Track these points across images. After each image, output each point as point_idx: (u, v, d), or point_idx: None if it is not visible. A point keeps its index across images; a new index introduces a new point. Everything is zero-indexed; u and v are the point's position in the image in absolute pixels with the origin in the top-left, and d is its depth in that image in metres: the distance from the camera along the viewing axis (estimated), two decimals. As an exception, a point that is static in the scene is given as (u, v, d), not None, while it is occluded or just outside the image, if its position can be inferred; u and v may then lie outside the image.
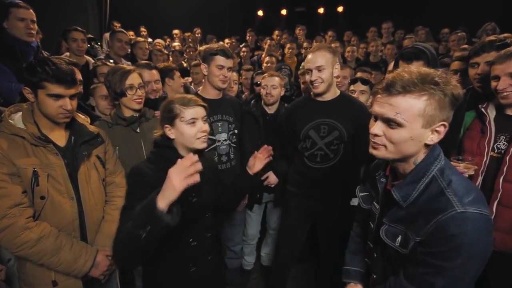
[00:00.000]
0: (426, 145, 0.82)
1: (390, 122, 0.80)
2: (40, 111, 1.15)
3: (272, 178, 2.03)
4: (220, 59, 1.68)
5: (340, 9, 6.90)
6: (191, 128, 1.12)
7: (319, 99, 1.70)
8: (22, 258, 1.12)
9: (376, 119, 0.85)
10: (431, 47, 1.68)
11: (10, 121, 1.12)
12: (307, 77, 1.63)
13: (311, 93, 1.75)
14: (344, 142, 1.69)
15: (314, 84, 1.62)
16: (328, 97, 1.69)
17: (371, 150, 0.87)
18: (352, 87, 2.10)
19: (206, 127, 1.16)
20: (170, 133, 1.13)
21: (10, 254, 1.18)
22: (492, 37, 1.60)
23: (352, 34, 5.17)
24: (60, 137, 1.22)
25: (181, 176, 0.87)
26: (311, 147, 1.71)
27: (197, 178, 0.89)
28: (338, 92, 1.72)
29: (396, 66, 1.67)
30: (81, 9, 4.84)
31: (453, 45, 3.63)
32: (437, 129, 0.79)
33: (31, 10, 1.90)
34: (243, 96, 2.96)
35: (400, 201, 0.85)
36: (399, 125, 0.78)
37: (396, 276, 0.88)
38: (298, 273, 2.44)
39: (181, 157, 1.06)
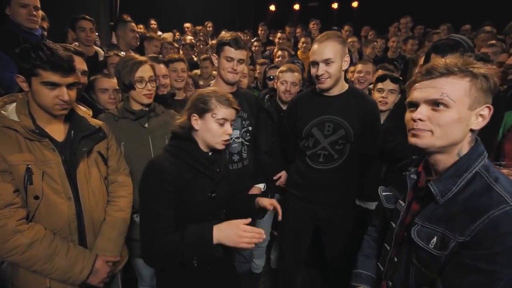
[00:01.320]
0: (472, 131, 0.79)
1: (435, 105, 0.76)
2: (35, 102, 1.04)
3: (285, 178, 1.90)
4: (229, 50, 1.54)
5: (355, 4, 6.71)
6: (219, 127, 1.09)
7: (326, 93, 1.54)
8: (14, 264, 1.02)
9: (414, 107, 0.81)
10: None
11: (2, 112, 1.01)
12: (313, 71, 1.47)
13: (317, 86, 1.59)
14: (350, 142, 1.54)
15: (320, 79, 1.46)
16: (335, 91, 1.53)
17: (413, 140, 0.81)
18: (380, 85, 1.90)
19: (231, 131, 1.13)
20: (196, 123, 1.09)
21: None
22: None
23: (369, 30, 4.97)
24: (58, 131, 1.10)
25: (248, 239, 0.94)
26: (313, 146, 1.57)
27: (251, 246, 0.97)
28: (346, 86, 1.56)
29: (427, 59, 1.53)
30: (91, 0, 4.78)
31: (482, 44, 3.40)
32: (482, 112, 0.77)
33: None
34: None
35: (438, 196, 0.78)
36: (446, 105, 0.75)
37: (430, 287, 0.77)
38: (308, 278, 2.33)
39: (202, 152, 1.12)
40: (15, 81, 1.56)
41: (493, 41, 2.60)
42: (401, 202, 0.93)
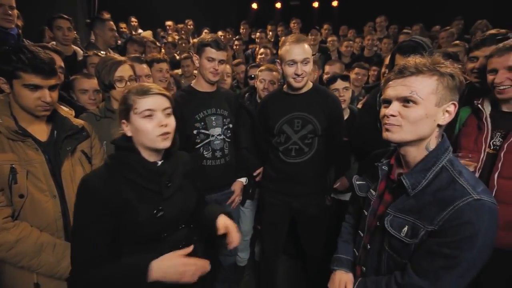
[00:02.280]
0: (439, 126, 0.85)
1: (405, 101, 0.83)
2: (17, 103, 1.06)
3: (265, 174, 1.99)
4: (210, 51, 1.61)
5: (335, 3, 6.89)
6: (148, 122, 0.91)
7: (293, 92, 1.66)
8: (1, 260, 1.05)
9: (387, 103, 0.87)
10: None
11: (-16, 113, 1.03)
12: (290, 70, 1.55)
13: (285, 86, 1.71)
14: (318, 135, 1.66)
15: (298, 78, 1.56)
16: (302, 90, 1.64)
17: (386, 134, 0.87)
18: (333, 86, 2.04)
19: (168, 121, 0.94)
20: (127, 129, 0.94)
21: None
22: (493, 31, 1.58)
23: (347, 29, 5.14)
24: (41, 131, 1.13)
25: (191, 273, 0.90)
26: (285, 141, 1.68)
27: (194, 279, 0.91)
28: (311, 85, 1.69)
29: (392, 59, 1.65)
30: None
31: (442, 42, 3.63)
32: (448, 109, 0.83)
33: None
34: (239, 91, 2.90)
35: (409, 189, 0.85)
36: (415, 102, 0.82)
37: (402, 272, 0.85)
38: (289, 268, 2.45)
39: (145, 162, 0.95)
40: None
41: (457, 42, 2.78)
42: (372, 191, 1.00)
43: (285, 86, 1.71)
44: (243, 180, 1.91)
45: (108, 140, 1.45)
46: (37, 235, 1.06)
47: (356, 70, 2.77)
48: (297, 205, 1.76)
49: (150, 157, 0.97)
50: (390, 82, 0.87)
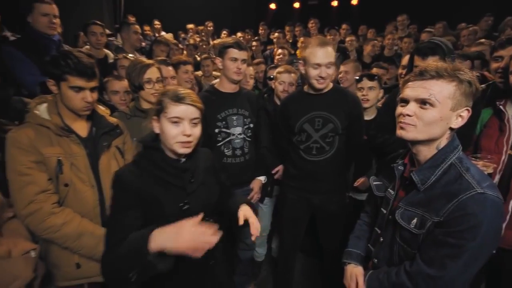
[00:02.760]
0: (451, 129, 0.89)
1: (422, 103, 0.87)
2: (63, 103, 1.19)
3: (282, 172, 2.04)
4: (233, 52, 1.69)
5: (354, 1, 6.76)
6: (173, 128, 0.97)
7: (313, 92, 1.70)
8: (49, 241, 1.19)
9: (405, 103, 0.91)
10: (448, 41, 1.64)
11: (36, 112, 1.17)
12: (314, 72, 1.60)
13: (306, 86, 1.75)
14: (338, 134, 1.70)
15: (321, 80, 1.61)
16: (323, 90, 1.69)
17: (400, 132, 0.91)
18: (359, 85, 2.07)
19: (192, 131, 0.99)
20: (156, 127, 1.01)
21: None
22: None
23: (367, 28, 5.06)
24: (82, 128, 1.26)
25: (192, 241, 0.81)
26: (306, 140, 1.72)
27: (200, 254, 0.83)
28: (331, 85, 1.73)
29: (411, 61, 1.65)
30: (96, 3, 4.91)
31: (464, 40, 3.50)
32: (462, 114, 0.87)
33: (53, 5, 1.96)
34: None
35: (419, 184, 0.90)
36: (432, 105, 0.85)
37: (411, 261, 0.91)
38: (306, 266, 2.49)
39: (169, 160, 1.00)
40: (37, 83, 1.72)
41: (482, 40, 2.68)
42: (390, 190, 1.05)
43: (306, 86, 1.76)
44: (262, 178, 1.98)
45: (138, 137, 1.58)
46: (79, 220, 1.19)
47: (375, 70, 2.76)
48: (318, 202, 1.80)
49: (174, 155, 1.03)
50: (410, 83, 0.91)
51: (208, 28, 5.53)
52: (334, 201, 1.80)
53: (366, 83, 2.04)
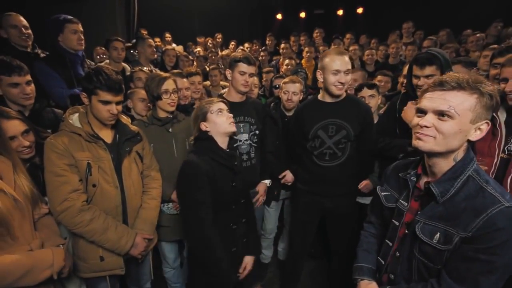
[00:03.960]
0: (468, 141, 0.88)
1: (441, 114, 0.84)
2: (92, 113, 1.36)
3: (289, 177, 2.14)
4: (242, 66, 1.83)
5: (359, 10, 6.86)
6: (221, 116, 1.38)
7: (329, 100, 1.80)
8: (77, 236, 1.34)
9: (422, 113, 0.89)
10: (447, 50, 1.73)
11: (69, 121, 1.34)
12: (333, 78, 1.69)
13: (320, 94, 1.85)
14: (351, 140, 1.79)
15: (340, 86, 1.70)
16: (337, 98, 1.79)
17: (417, 142, 0.88)
18: (360, 94, 2.16)
19: (230, 115, 1.42)
20: (205, 126, 1.38)
21: (66, 233, 1.39)
22: None
23: (366, 37, 5.11)
24: (107, 135, 1.42)
25: None
26: (320, 146, 1.81)
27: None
28: (345, 94, 1.82)
29: (410, 71, 1.73)
30: (110, 18, 5.17)
31: (471, 46, 3.56)
32: (481, 126, 0.85)
33: (80, 24, 2.17)
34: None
35: (438, 196, 0.88)
36: (451, 117, 0.83)
37: (438, 278, 0.88)
38: (313, 269, 2.54)
39: (220, 147, 1.38)
40: (64, 95, 1.91)
41: (494, 46, 2.73)
42: (402, 202, 1.01)
43: (320, 95, 1.86)
44: (267, 181, 2.09)
45: (155, 144, 1.73)
46: (105, 217, 1.33)
47: (379, 77, 2.83)
48: (330, 205, 1.89)
49: (222, 144, 1.40)
50: (428, 93, 0.87)
51: (217, 40, 5.75)
52: (344, 204, 1.88)
53: (367, 91, 2.16)
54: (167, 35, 5.64)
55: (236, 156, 1.49)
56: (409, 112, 1.72)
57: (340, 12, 7.02)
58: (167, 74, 1.79)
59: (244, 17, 7.14)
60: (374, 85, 2.22)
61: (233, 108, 1.91)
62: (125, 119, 1.54)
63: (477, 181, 0.86)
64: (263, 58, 4.52)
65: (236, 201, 1.43)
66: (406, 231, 0.97)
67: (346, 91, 1.82)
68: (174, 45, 5.54)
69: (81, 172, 1.30)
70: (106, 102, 1.31)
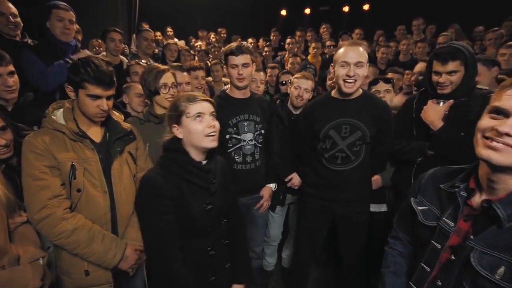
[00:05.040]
0: None
1: None
2: (79, 109, 1.20)
3: (296, 180, 2.01)
4: (232, 59, 1.68)
5: (366, 7, 6.72)
6: (198, 124, 1.07)
7: (341, 97, 1.63)
8: (59, 247, 1.18)
9: (502, 115, 0.70)
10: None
11: (52, 117, 1.18)
12: (342, 71, 1.51)
13: (333, 90, 1.68)
14: (366, 143, 1.62)
15: (349, 81, 1.52)
16: (352, 95, 1.61)
17: (489, 153, 0.71)
18: (374, 88, 2.04)
19: (215, 123, 1.10)
20: (178, 132, 1.10)
21: (49, 242, 1.24)
22: None
23: (382, 34, 5.00)
24: (96, 133, 1.26)
25: None
26: (331, 148, 1.64)
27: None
28: (361, 91, 1.65)
29: (429, 67, 1.59)
30: (111, 10, 5.04)
31: (490, 43, 3.38)
32: None
33: (70, 12, 2.00)
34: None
35: (505, 221, 0.71)
36: None
37: None
38: (319, 277, 2.40)
39: (194, 162, 1.10)
40: (49, 73, 1.71)
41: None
42: (447, 220, 0.83)
43: (333, 91, 1.69)
44: (272, 185, 1.94)
45: (151, 143, 1.57)
46: (90, 226, 1.18)
47: (390, 75, 2.70)
48: (340, 211, 1.73)
49: (197, 157, 1.12)
50: (510, 90, 0.71)
51: (222, 35, 5.59)
52: (357, 211, 1.72)
53: (382, 86, 2.02)
54: (169, 29, 5.50)
55: (216, 169, 1.18)
56: (430, 112, 1.57)
57: (346, 9, 6.90)
58: (165, 67, 1.64)
59: (247, 12, 7.00)
60: (390, 80, 2.10)
61: (237, 105, 1.77)
62: (117, 116, 1.38)
63: None
64: (267, 53, 4.37)
65: (213, 225, 1.17)
66: (452, 257, 0.79)
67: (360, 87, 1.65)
68: (176, 39, 5.39)
69: (64, 175, 1.15)
70: (95, 97, 1.15)
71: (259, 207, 1.91)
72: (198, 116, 1.07)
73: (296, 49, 4.20)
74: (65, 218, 1.12)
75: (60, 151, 1.14)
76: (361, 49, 1.52)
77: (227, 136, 1.74)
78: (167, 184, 1.03)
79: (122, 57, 2.72)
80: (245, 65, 1.68)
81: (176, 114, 1.09)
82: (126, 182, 1.31)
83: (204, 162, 1.14)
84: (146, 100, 1.88)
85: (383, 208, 1.98)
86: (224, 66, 1.78)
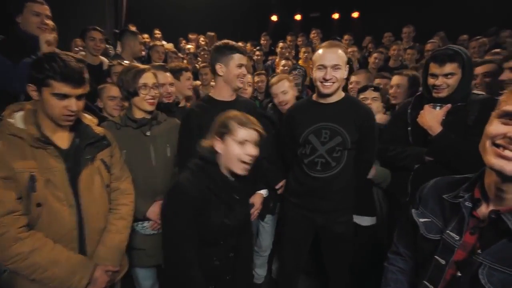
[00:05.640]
0: None
1: None
2: (43, 111, 1.05)
3: (287, 187, 1.90)
4: (240, 57, 1.57)
5: (355, 14, 6.82)
6: (239, 148, 1.10)
7: (323, 101, 1.56)
8: (14, 272, 1.02)
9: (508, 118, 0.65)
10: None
11: (9, 120, 1.03)
12: (319, 74, 1.48)
13: (314, 94, 1.63)
14: (347, 149, 1.54)
15: (326, 84, 1.47)
16: (333, 99, 1.55)
17: (499, 162, 0.65)
18: (362, 95, 2.00)
19: (254, 152, 1.12)
20: (219, 147, 1.12)
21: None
22: None
23: (370, 40, 5.05)
24: (63, 139, 1.11)
25: None
26: (311, 153, 1.57)
27: None
28: (343, 94, 1.59)
29: (426, 70, 1.55)
30: (98, 10, 4.89)
31: (473, 52, 3.44)
32: None
33: (46, 6, 1.86)
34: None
35: None
36: None
37: None
38: (308, 287, 2.29)
39: (222, 175, 1.13)
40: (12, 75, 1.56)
41: (498, 50, 2.63)
42: (451, 233, 0.77)
43: (314, 95, 1.63)
44: (263, 192, 1.83)
45: (128, 149, 1.44)
46: (51, 247, 1.02)
47: (377, 80, 2.67)
48: (322, 222, 1.64)
49: (226, 173, 1.15)
50: None
51: (213, 39, 5.49)
52: (339, 221, 1.63)
53: (371, 93, 1.99)
54: (157, 31, 5.35)
55: (243, 188, 1.22)
56: (428, 117, 1.51)
57: (336, 16, 6.96)
58: (145, 66, 1.51)
59: (237, 17, 6.96)
60: (380, 88, 2.07)
61: (223, 108, 1.61)
62: (88, 119, 1.24)
63: None
64: (258, 58, 4.29)
65: (226, 237, 1.19)
66: (459, 274, 0.73)
67: (348, 91, 1.58)
68: (164, 42, 5.26)
69: (21, 188, 0.99)
70: (62, 96, 1.02)
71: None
72: (244, 143, 1.10)
73: (287, 54, 4.17)
74: (21, 238, 0.97)
75: (17, 160, 0.98)
76: (339, 51, 1.47)
77: None
78: (195, 192, 1.06)
79: (102, 57, 2.57)
80: (246, 66, 1.62)
81: (222, 131, 1.12)
82: (96, 193, 1.16)
83: (232, 179, 1.16)
84: (121, 105, 1.74)
85: (373, 221, 1.90)
86: (217, 64, 1.59)
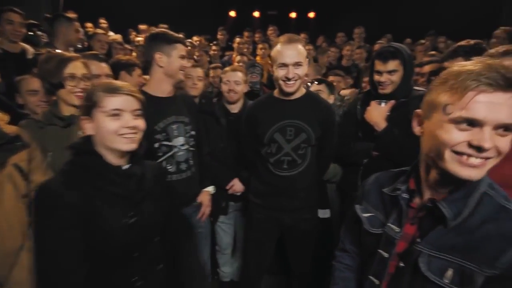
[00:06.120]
0: None
1: (505, 129, 0.59)
2: None
3: (238, 186, 1.87)
4: (183, 48, 1.47)
5: (311, 14, 7.06)
6: (113, 121, 0.85)
7: (285, 98, 1.54)
8: None
9: (471, 125, 0.60)
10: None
11: None
12: (281, 73, 1.43)
13: (275, 90, 1.60)
14: (311, 145, 1.56)
15: (289, 83, 1.44)
16: (295, 95, 1.53)
17: (469, 172, 0.62)
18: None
19: (136, 122, 0.89)
20: (88, 127, 0.88)
21: None
22: (463, 42, 1.60)
23: (324, 39, 5.24)
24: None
25: None
26: (276, 152, 1.54)
27: None
28: (304, 91, 1.59)
29: (372, 66, 1.61)
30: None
31: (419, 55, 3.78)
32: None
33: None
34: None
35: (451, 219, 0.66)
36: None
37: None
38: (272, 286, 2.28)
39: (108, 166, 0.89)
40: None
41: (433, 52, 2.92)
42: (392, 226, 0.77)
43: (276, 91, 1.59)
44: (210, 189, 1.76)
45: (55, 151, 1.24)
46: None
47: (331, 78, 2.79)
48: (289, 221, 1.63)
49: (114, 160, 0.90)
50: (482, 96, 0.58)
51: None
52: (305, 218, 1.64)
53: (315, 87, 2.04)
54: (102, 21, 4.87)
55: (143, 173, 0.95)
56: (374, 113, 1.58)
57: (293, 15, 7.14)
58: (73, 54, 1.32)
59: (194, 9, 6.69)
60: (324, 81, 2.13)
61: (162, 105, 1.50)
62: (-5, 117, 1.02)
63: (494, 199, 0.66)
64: (215, 53, 4.17)
65: (141, 243, 0.93)
66: (401, 264, 0.73)
67: (305, 87, 1.58)
68: (111, 33, 4.80)
69: None
70: None
71: (202, 216, 1.72)
72: (114, 113, 0.86)
73: (245, 50, 4.12)
74: None
75: None
76: (299, 46, 1.43)
77: (156, 145, 1.49)
78: (68, 194, 0.81)
79: (25, 45, 2.21)
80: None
81: (88, 105, 0.87)
82: (8, 207, 0.98)
83: (125, 166, 0.92)
84: (46, 100, 1.51)
85: (327, 214, 1.95)
86: (156, 53, 1.45)
